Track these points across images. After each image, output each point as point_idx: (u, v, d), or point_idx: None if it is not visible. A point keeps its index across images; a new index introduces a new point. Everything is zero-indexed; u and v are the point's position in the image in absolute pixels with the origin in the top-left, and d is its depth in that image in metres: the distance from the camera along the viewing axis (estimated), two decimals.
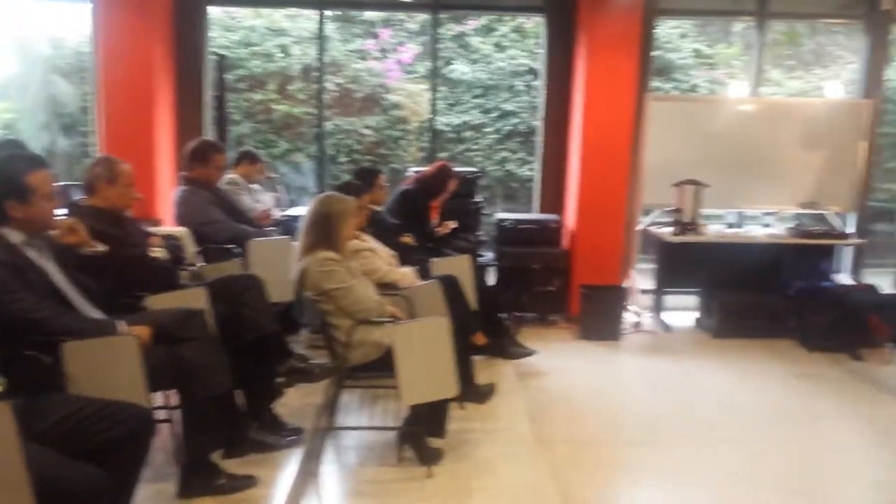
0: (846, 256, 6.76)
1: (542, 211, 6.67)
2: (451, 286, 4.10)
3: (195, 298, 3.17)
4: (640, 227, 6.46)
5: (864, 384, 5.19)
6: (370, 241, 4.21)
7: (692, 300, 6.62)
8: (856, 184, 6.47)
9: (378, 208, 4.93)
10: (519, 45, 8.70)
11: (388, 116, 8.61)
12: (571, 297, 6.25)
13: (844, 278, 6.61)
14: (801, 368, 5.46)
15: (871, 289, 6.10)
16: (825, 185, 6.43)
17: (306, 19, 8.25)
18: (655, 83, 7.81)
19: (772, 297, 6.19)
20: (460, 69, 8.63)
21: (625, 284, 6.31)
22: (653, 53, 6.60)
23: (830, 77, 8.63)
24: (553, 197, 6.64)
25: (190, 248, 4.20)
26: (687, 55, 8.79)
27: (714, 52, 8.95)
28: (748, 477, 3.74)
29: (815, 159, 6.41)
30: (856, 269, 6.75)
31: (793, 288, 6.19)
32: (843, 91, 7.38)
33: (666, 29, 8.53)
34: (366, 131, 8.53)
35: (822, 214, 6.59)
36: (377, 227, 4.54)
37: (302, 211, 5.95)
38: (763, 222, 6.61)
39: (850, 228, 6.56)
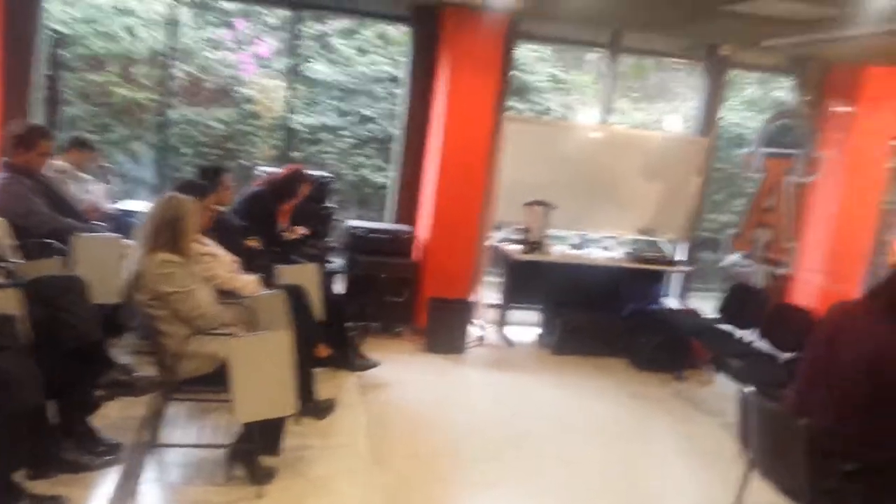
0: (676, 282, 7.27)
1: (396, 221, 6.67)
2: (296, 297, 3.99)
3: (7, 301, 2.88)
4: (490, 242, 6.62)
5: (687, 404, 5.59)
6: (212, 246, 4.02)
7: (535, 316, 6.86)
8: (688, 215, 6.98)
9: (223, 209, 4.72)
10: (381, 52, 8.68)
11: (239, 110, 8.31)
12: (419, 309, 6.29)
13: (673, 302, 7.10)
14: (632, 387, 5.80)
15: (695, 313, 6.59)
16: (662, 214, 6.88)
17: (157, 1, 7.80)
18: (512, 103, 8.05)
19: (608, 318, 6.53)
20: (319, 69, 8.49)
21: (472, 299, 6.44)
22: (511, 74, 6.79)
23: (671, 111, 9.29)
24: (408, 207, 6.66)
25: (6, 242, 3.82)
26: (543, 79, 9.15)
27: (569, 78, 9.37)
28: (579, 493, 3.90)
29: (654, 189, 6.84)
30: (683, 294, 7.28)
31: (626, 309, 6.57)
32: (682, 125, 7.94)
33: (525, 52, 8.83)
34: (214, 124, 8.18)
35: (656, 241, 7.04)
36: (221, 230, 4.34)
37: (137, 205, 5.65)
38: (604, 245, 6.97)
39: (681, 256, 7.06)
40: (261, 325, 3.56)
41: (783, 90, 8.36)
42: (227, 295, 3.76)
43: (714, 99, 7.06)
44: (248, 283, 4.00)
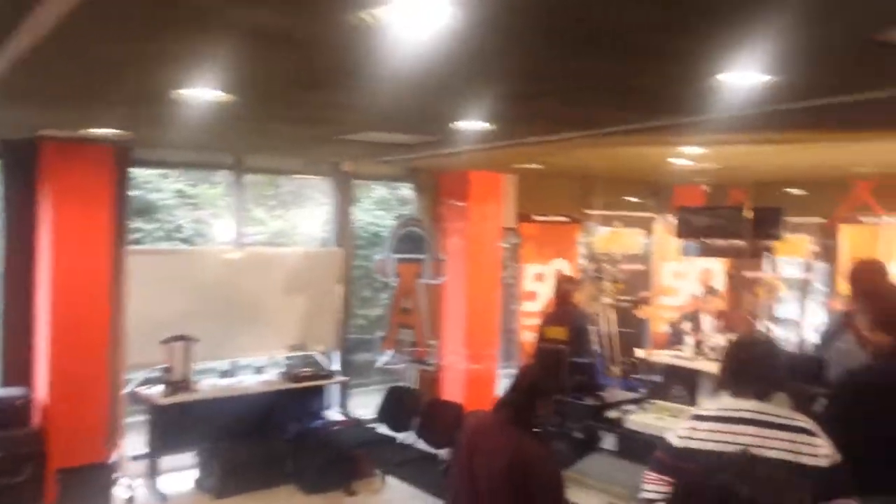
0: (335, 392, 7.31)
1: (5, 384, 5.72)
2: None
3: None
4: (127, 390, 6.00)
5: None
6: None
7: (191, 459, 6.34)
8: (336, 323, 7.11)
9: None
10: None
11: None
12: (48, 486, 5.41)
13: (335, 414, 7.12)
14: None
15: (358, 423, 6.68)
16: (310, 327, 6.91)
17: None
18: (138, 224, 7.55)
19: (271, 445, 6.30)
20: None
21: (113, 458, 5.73)
22: (132, 194, 6.36)
23: (308, 216, 9.52)
24: (18, 366, 5.75)
25: None
26: (169, 196, 8.77)
27: (198, 193, 9.12)
28: None
29: (298, 304, 6.86)
30: (344, 403, 7.34)
31: (289, 431, 6.41)
32: (321, 229, 8.15)
33: (146, 170, 8.39)
34: None
35: (311, 355, 7.03)
36: None
37: None
38: (257, 369, 6.76)
39: (336, 365, 7.14)
40: None
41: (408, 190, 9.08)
42: None
43: (344, 209, 7.38)
44: None
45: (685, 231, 4.69)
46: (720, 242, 4.47)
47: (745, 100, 3.16)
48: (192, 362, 6.05)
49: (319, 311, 6.98)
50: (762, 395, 2.56)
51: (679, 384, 7.28)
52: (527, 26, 2.29)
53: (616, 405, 4.26)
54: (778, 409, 2.56)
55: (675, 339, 7.57)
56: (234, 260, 6.62)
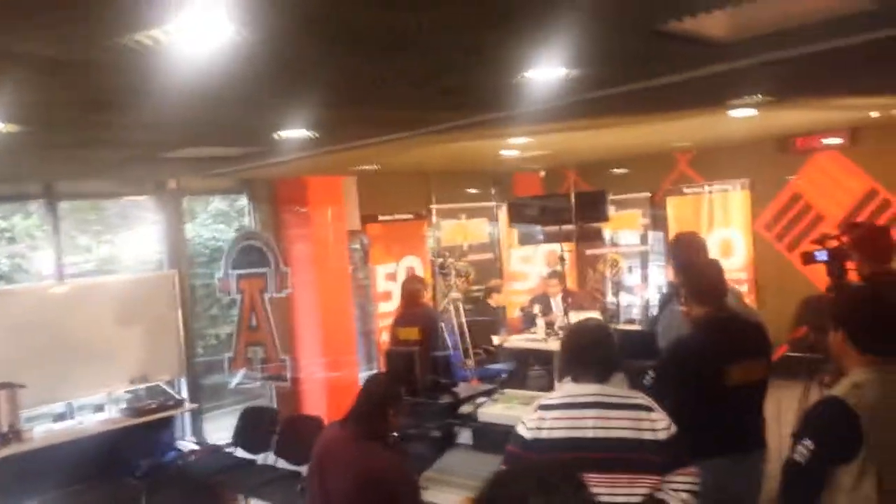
0: (187, 421, 6.99)
1: None
2: None
3: None
4: None
5: None
6: None
7: None
8: (178, 349, 6.78)
9: None
10: None
11: None
12: None
13: (189, 443, 6.81)
14: None
15: (215, 450, 6.41)
16: (151, 355, 6.54)
17: None
18: None
19: (121, 484, 5.94)
20: None
21: None
22: None
23: (138, 239, 8.97)
24: None
25: None
26: None
27: (11, 225, 8.38)
28: None
29: (135, 333, 6.48)
30: (197, 431, 7.03)
31: (140, 468, 6.07)
32: (154, 251, 7.72)
33: None
34: None
35: (156, 385, 6.68)
36: None
37: None
38: (96, 407, 6.33)
39: (184, 392, 6.82)
40: None
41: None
42: None
43: (175, 228, 7.04)
44: None
45: (518, 219, 4.83)
46: (551, 228, 4.64)
47: (551, 93, 3.28)
48: (20, 410, 5.58)
49: (159, 338, 6.63)
50: (602, 378, 2.66)
51: (537, 366, 7.54)
52: (323, 36, 2.25)
53: (469, 399, 4.31)
54: (617, 389, 2.67)
55: (527, 323, 7.81)
56: (58, 294, 6.15)
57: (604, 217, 4.74)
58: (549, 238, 4.82)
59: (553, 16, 2.27)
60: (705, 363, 3.11)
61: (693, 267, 3.51)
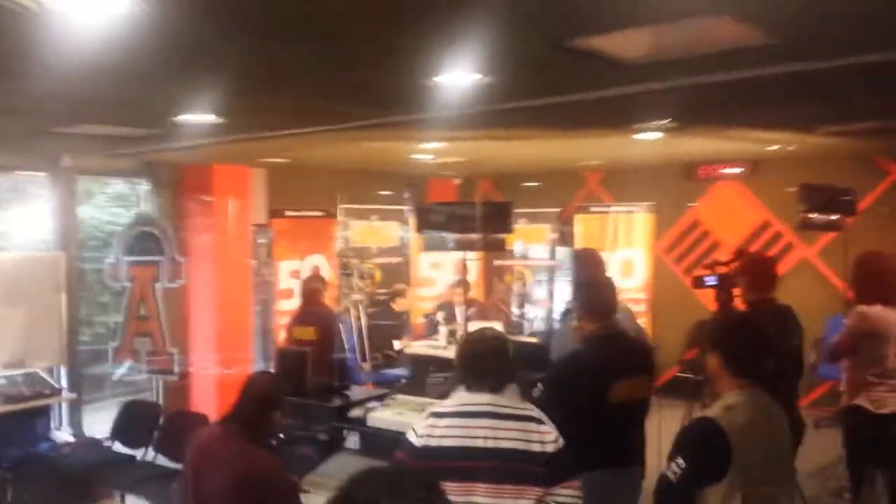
0: (65, 412, 6.65)
1: None
2: None
3: None
4: None
5: None
6: None
7: None
8: (61, 335, 6.44)
9: None
10: None
11: None
12: None
13: (64, 435, 6.48)
14: None
15: (93, 443, 6.12)
16: (29, 340, 6.19)
17: None
18: None
19: None
20: None
21: None
22: None
23: (30, 216, 8.52)
24: None
25: None
26: None
27: None
28: None
29: (15, 315, 6.12)
30: (75, 423, 6.69)
31: (6, 459, 5.73)
32: (46, 230, 7.33)
33: None
34: None
35: (35, 372, 6.33)
36: None
37: None
38: None
39: (64, 381, 6.49)
40: None
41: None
42: None
43: (67, 208, 6.70)
44: None
45: (424, 225, 4.82)
46: (456, 237, 4.66)
47: (462, 99, 3.29)
48: None
49: (40, 322, 6.28)
50: (496, 389, 2.65)
51: (436, 373, 7.54)
52: (229, 17, 2.18)
53: (360, 403, 4.26)
54: (510, 400, 2.66)
55: (431, 330, 7.80)
56: None
57: (509, 229, 4.79)
58: (455, 246, 4.83)
59: (466, 19, 2.28)
60: (591, 379, 3.16)
61: (587, 282, 3.58)
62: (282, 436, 4.32)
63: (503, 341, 2.81)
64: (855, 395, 4.41)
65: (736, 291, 4.14)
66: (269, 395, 3.29)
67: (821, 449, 5.85)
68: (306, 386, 4.36)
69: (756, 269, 3.96)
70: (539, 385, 3.29)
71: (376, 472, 1.18)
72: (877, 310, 4.12)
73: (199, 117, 4.02)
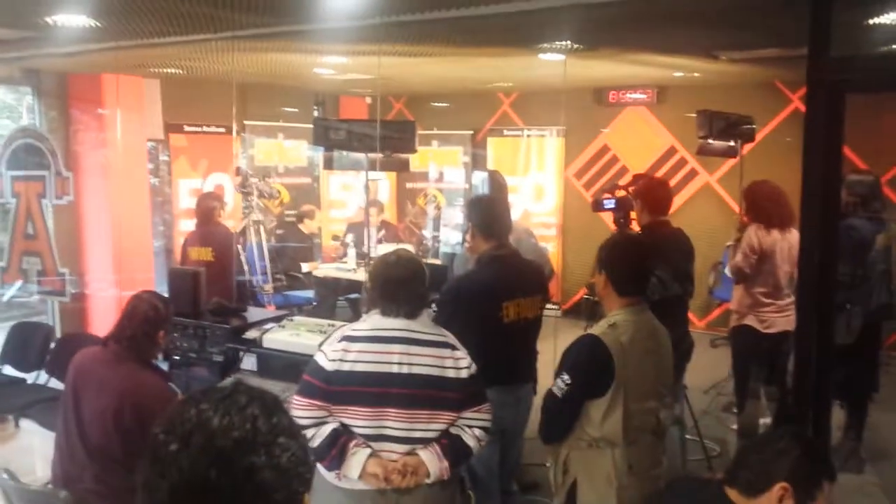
0: None
1: None
2: None
3: None
4: None
5: None
6: None
7: None
8: None
9: None
10: None
11: None
12: None
13: None
14: None
15: None
16: None
17: None
18: None
19: None
20: None
21: None
22: None
23: None
24: None
25: None
26: None
27: None
28: None
29: None
30: None
31: None
32: None
33: None
34: None
35: None
36: None
37: None
38: None
39: None
40: None
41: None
42: None
43: None
44: None
45: (321, 142, 4.66)
46: (355, 155, 4.54)
47: (355, 11, 3.14)
48: None
49: None
50: (411, 314, 2.61)
51: (343, 296, 7.50)
52: None
53: (257, 324, 4.18)
54: (424, 325, 2.64)
55: (341, 252, 7.72)
56: None
57: (412, 148, 4.69)
58: (351, 165, 4.72)
59: None
60: (484, 299, 3.18)
61: (480, 202, 3.56)
62: (176, 357, 4.25)
63: (418, 265, 2.73)
64: (744, 316, 4.63)
65: (633, 214, 4.21)
66: (154, 314, 3.19)
67: (714, 366, 6.17)
68: (200, 307, 4.25)
69: (650, 193, 4.02)
70: (433, 306, 3.28)
71: (211, 390, 1.13)
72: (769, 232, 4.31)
73: (70, 18, 3.72)
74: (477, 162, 9.17)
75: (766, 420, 4.84)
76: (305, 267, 7.57)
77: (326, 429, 2.55)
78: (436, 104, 9.45)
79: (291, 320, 4.14)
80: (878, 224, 4.36)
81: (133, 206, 6.93)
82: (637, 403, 2.65)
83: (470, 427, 2.62)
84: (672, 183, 6.45)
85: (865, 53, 3.63)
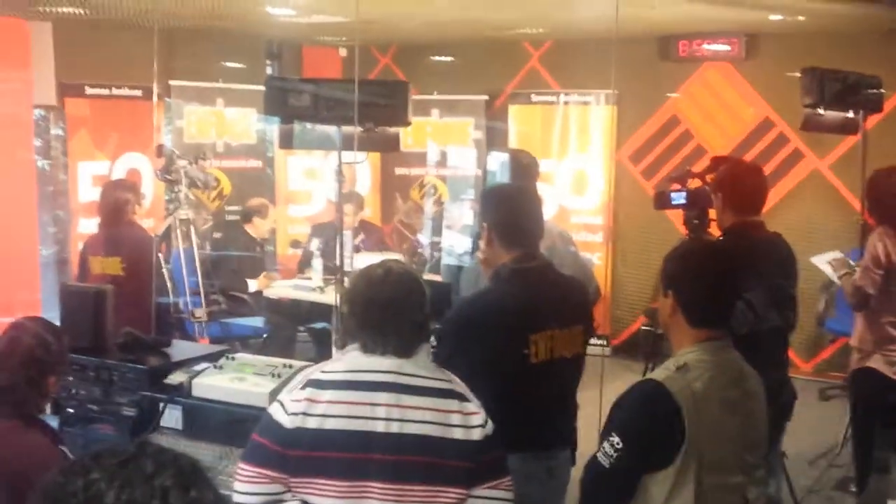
0: None
1: None
2: None
3: None
4: None
5: None
6: None
7: None
8: None
9: None
10: None
11: None
12: None
13: None
14: None
15: None
16: None
17: None
18: None
19: None
20: None
21: None
22: None
23: None
24: None
25: None
26: None
27: None
28: None
29: None
30: None
31: None
32: None
33: None
34: None
35: None
36: None
37: None
38: None
39: None
40: None
41: None
42: None
43: None
44: None
45: (275, 109, 4.64)
46: (324, 129, 4.53)
47: None
48: None
49: None
50: (404, 351, 2.61)
51: (305, 326, 7.52)
52: None
53: (183, 364, 4.21)
54: (421, 367, 2.63)
55: (303, 265, 7.75)
56: None
57: (402, 120, 4.68)
58: (327, 144, 4.72)
59: None
60: (503, 330, 3.18)
61: (499, 194, 3.56)
62: (71, 410, 4.26)
63: (414, 282, 2.71)
64: (868, 356, 4.62)
65: (712, 213, 4.22)
66: (42, 352, 3.21)
67: (824, 426, 6.16)
68: (105, 340, 4.28)
69: (735, 184, 4.02)
70: (433, 339, 3.28)
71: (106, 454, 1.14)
72: None
73: None
74: (494, 139, 9.20)
75: None
76: (253, 285, 7.60)
77: None
78: (436, 58, 9.48)
79: (233, 359, 4.15)
80: None
81: (12, 199, 6.97)
82: (715, 478, 2.65)
83: None
84: (767, 170, 6.46)
85: None
